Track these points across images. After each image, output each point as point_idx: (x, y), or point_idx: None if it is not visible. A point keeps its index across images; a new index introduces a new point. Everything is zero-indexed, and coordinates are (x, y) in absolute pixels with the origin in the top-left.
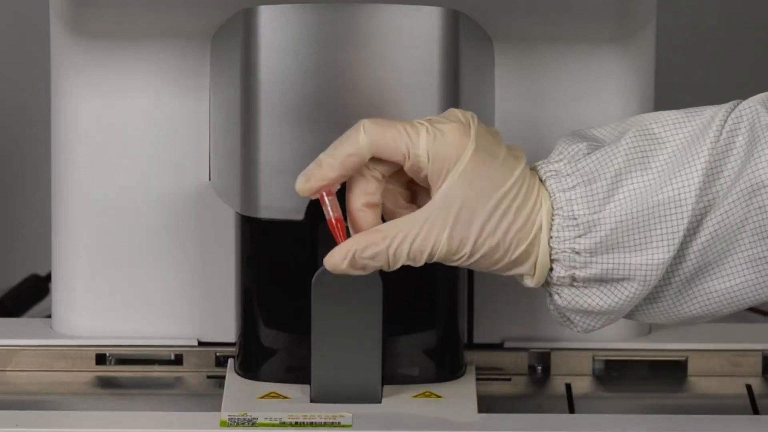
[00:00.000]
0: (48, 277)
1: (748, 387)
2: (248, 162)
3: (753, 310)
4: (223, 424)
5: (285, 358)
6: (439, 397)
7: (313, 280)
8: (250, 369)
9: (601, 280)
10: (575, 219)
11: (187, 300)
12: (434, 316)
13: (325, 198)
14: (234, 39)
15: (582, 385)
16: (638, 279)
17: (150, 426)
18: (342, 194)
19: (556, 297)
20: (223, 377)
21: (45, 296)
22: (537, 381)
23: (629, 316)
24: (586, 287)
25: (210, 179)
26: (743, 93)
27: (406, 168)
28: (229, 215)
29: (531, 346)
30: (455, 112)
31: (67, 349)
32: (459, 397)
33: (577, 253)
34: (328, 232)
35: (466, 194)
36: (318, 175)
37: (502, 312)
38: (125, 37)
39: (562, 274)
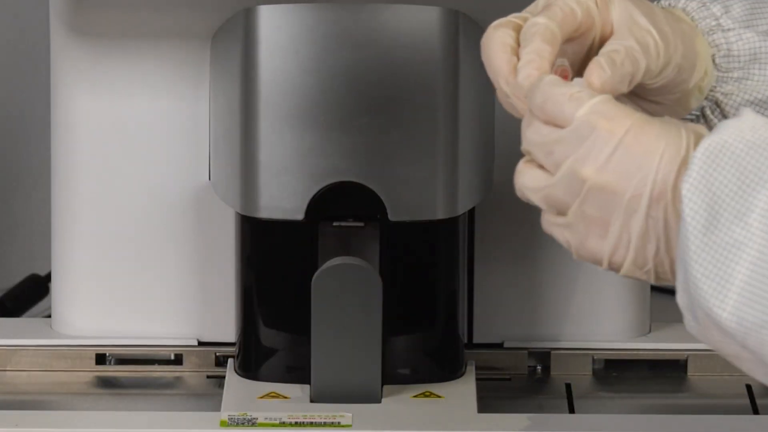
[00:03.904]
0: (48, 277)
1: (748, 387)
2: (248, 162)
3: None
4: (223, 424)
5: (285, 358)
6: (439, 397)
7: (313, 280)
8: (250, 369)
9: None
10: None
11: (187, 300)
12: (434, 316)
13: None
14: (234, 39)
15: (582, 385)
16: None
17: (150, 426)
18: None
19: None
20: (223, 377)
21: (45, 296)
22: (537, 381)
23: None
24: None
25: (210, 179)
26: None
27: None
28: (229, 215)
29: (531, 346)
30: None
31: (67, 349)
32: (459, 397)
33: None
34: (328, 232)
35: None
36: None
37: (502, 312)
38: (125, 37)
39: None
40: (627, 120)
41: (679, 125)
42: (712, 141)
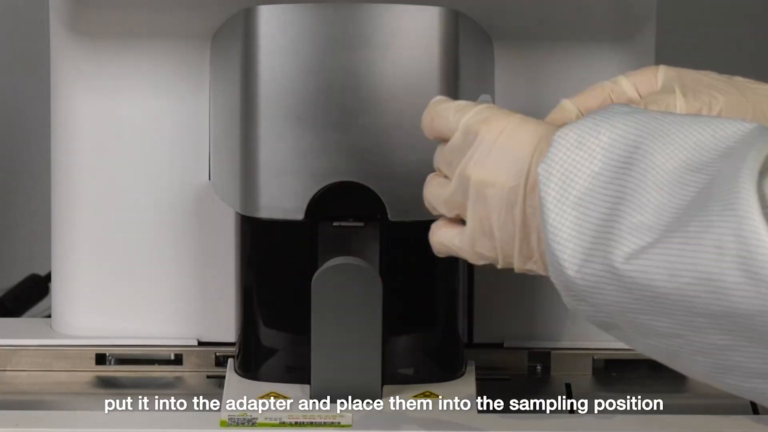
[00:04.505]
0: (48, 277)
1: None
2: (248, 162)
3: None
4: (223, 424)
5: (285, 358)
6: (439, 397)
7: (313, 280)
8: (250, 369)
9: None
10: None
11: (187, 300)
12: (434, 316)
13: None
14: (234, 39)
15: (582, 385)
16: None
17: (150, 426)
18: None
19: None
20: (223, 377)
21: (45, 296)
22: (537, 381)
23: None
24: None
25: (210, 179)
26: None
27: None
28: (229, 215)
29: (531, 345)
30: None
31: (67, 349)
32: (459, 397)
33: None
34: (328, 232)
35: None
36: None
37: (502, 312)
38: (125, 37)
39: None
40: (504, 121)
41: (555, 126)
42: (569, 127)
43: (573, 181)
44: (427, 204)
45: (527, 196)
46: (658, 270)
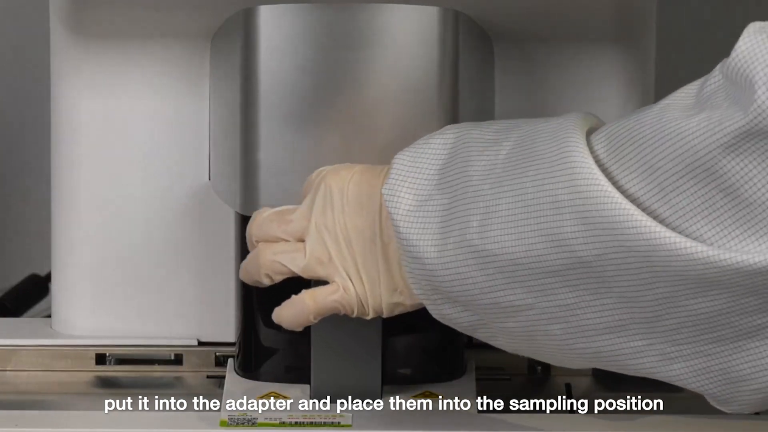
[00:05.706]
0: (48, 277)
1: None
2: (248, 162)
3: None
4: (223, 424)
5: (285, 358)
6: (439, 397)
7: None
8: (249, 369)
9: None
10: None
11: (187, 300)
12: None
13: None
14: (234, 39)
15: (582, 385)
16: None
17: (150, 426)
18: None
19: None
20: (223, 377)
21: (45, 296)
22: (537, 381)
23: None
24: None
25: (210, 179)
26: None
27: None
28: (229, 215)
29: None
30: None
31: (67, 349)
32: (459, 397)
33: None
34: None
35: None
36: None
37: None
38: (125, 37)
39: None
40: (351, 170)
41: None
42: (406, 149)
43: (412, 190)
44: (265, 270)
45: (384, 228)
46: (510, 237)
